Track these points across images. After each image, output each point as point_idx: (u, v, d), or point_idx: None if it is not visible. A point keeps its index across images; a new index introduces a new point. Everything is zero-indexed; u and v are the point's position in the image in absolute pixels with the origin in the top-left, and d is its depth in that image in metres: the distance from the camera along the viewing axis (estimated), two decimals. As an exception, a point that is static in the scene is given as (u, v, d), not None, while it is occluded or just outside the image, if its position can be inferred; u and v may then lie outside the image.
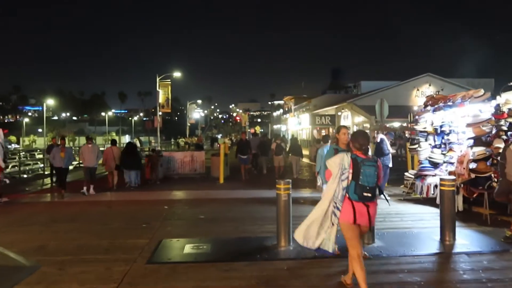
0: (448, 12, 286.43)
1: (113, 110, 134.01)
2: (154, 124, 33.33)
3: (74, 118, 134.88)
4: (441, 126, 9.77)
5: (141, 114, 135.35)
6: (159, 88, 31.40)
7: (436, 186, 9.35)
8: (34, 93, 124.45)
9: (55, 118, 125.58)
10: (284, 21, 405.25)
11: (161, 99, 31.54)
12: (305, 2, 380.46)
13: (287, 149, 18.17)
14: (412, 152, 11.04)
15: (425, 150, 9.95)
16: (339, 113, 40.08)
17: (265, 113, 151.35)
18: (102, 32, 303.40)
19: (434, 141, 9.97)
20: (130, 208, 9.92)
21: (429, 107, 10.29)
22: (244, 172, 15.77)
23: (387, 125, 34.55)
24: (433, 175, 9.56)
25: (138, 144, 31.31)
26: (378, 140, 10.73)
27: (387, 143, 10.68)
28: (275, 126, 76.94)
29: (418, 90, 35.40)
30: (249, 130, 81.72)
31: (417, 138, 10.67)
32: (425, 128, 10.22)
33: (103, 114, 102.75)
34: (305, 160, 22.65)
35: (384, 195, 4.94)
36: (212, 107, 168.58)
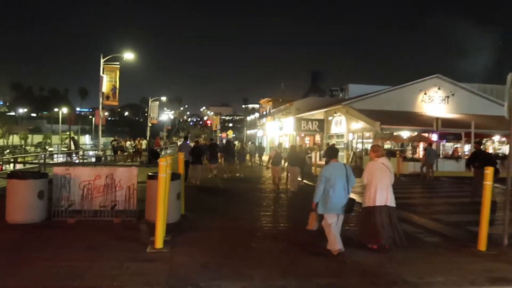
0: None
1: (77, 109, 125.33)
2: (96, 120, 25.57)
3: (33, 114, 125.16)
4: None
5: (106, 113, 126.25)
6: (103, 73, 23.49)
7: None
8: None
9: (12, 114, 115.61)
10: (259, 23, 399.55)
11: (105, 87, 23.50)
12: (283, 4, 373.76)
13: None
14: None
15: None
16: (330, 118, 33.34)
17: (237, 117, 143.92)
18: (62, 25, 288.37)
19: None
20: None
21: None
22: None
23: (394, 134, 28.04)
24: None
25: (72, 147, 23.25)
26: None
27: None
28: (249, 131, 69.91)
29: (425, 94, 28.96)
30: (220, 134, 74.57)
31: None
32: None
33: (56, 110, 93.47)
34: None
35: None
36: (182, 108, 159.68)
